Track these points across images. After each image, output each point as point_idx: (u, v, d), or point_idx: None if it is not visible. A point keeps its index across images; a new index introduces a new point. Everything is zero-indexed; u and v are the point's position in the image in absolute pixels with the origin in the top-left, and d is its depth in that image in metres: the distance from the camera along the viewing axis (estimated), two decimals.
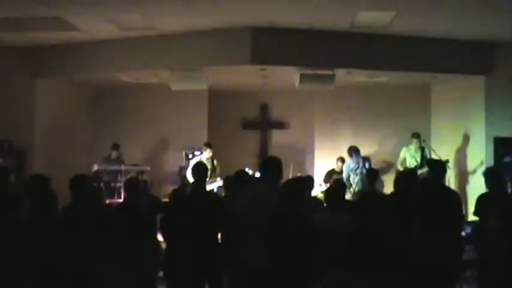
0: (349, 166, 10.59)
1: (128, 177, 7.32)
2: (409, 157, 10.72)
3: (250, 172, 7.25)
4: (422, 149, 10.64)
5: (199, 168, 6.26)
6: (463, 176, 10.92)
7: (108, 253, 5.45)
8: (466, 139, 10.81)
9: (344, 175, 10.52)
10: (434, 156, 10.09)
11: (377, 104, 12.37)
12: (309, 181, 7.56)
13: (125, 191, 6.35)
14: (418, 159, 10.61)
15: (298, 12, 8.39)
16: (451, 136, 11.21)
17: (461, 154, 10.90)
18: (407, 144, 10.83)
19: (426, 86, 12.17)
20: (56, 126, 10.96)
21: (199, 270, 5.82)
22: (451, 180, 10.54)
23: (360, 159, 10.50)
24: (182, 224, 5.84)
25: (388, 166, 11.92)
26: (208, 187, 8.96)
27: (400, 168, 10.56)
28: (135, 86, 11.70)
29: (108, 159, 11.22)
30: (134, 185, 6.09)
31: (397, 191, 5.98)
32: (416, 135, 10.71)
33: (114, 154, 11.30)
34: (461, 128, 10.98)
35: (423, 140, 10.86)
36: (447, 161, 9.94)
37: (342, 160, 11.16)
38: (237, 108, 13.09)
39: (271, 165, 5.25)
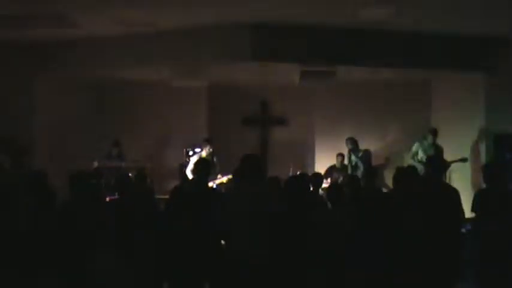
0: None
1: (118, 174, 7.33)
2: (422, 152, 10.54)
3: None
4: (436, 147, 10.49)
5: (201, 165, 6.25)
6: (463, 174, 10.91)
7: (107, 250, 5.45)
8: (467, 136, 10.79)
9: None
10: (447, 156, 10.11)
11: (377, 100, 12.35)
12: (317, 178, 7.62)
13: (116, 188, 6.36)
14: None
15: (299, 9, 8.39)
16: (452, 133, 11.20)
17: (461, 152, 10.88)
18: (422, 140, 10.71)
19: (427, 83, 12.15)
20: (56, 123, 10.96)
21: (199, 267, 5.82)
22: (451, 177, 10.52)
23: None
24: (183, 221, 5.85)
25: (389, 162, 11.91)
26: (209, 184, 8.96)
27: (411, 162, 10.38)
28: (136, 83, 11.70)
29: (108, 157, 11.19)
30: (125, 182, 6.09)
31: (396, 188, 5.98)
32: (433, 132, 10.55)
33: (114, 151, 11.28)
34: (461, 125, 10.97)
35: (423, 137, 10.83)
36: (466, 159, 9.95)
37: (342, 156, 11.17)
38: (237, 105, 13.07)
39: (251, 163, 5.19)
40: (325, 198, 6.53)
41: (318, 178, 7.76)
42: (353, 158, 10.93)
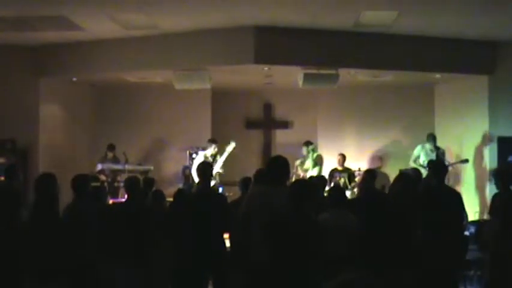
0: None
1: (128, 176, 7.31)
2: (424, 156, 10.53)
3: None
4: (437, 149, 10.48)
5: (204, 168, 6.25)
6: (466, 177, 10.88)
7: (111, 253, 5.44)
8: (470, 139, 10.77)
9: None
10: (448, 158, 10.08)
11: (380, 103, 12.35)
12: (321, 181, 7.58)
13: (126, 190, 6.35)
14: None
15: (302, 11, 8.39)
16: (455, 136, 11.18)
17: (464, 154, 10.87)
18: (423, 143, 10.68)
19: (429, 85, 12.13)
20: (59, 125, 10.98)
21: (202, 270, 5.82)
22: (453, 180, 10.50)
23: None
24: (186, 223, 5.85)
25: (391, 165, 11.88)
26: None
27: (413, 165, 10.37)
28: (139, 86, 11.71)
29: (103, 160, 11.14)
30: (134, 184, 6.09)
31: (396, 191, 5.96)
32: (431, 137, 10.54)
33: (109, 155, 11.24)
34: (464, 128, 10.95)
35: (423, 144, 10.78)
36: (467, 160, 9.94)
37: (343, 156, 11.17)
38: (240, 107, 13.09)
39: (277, 165, 5.18)
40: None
41: (322, 181, 7.72)
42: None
